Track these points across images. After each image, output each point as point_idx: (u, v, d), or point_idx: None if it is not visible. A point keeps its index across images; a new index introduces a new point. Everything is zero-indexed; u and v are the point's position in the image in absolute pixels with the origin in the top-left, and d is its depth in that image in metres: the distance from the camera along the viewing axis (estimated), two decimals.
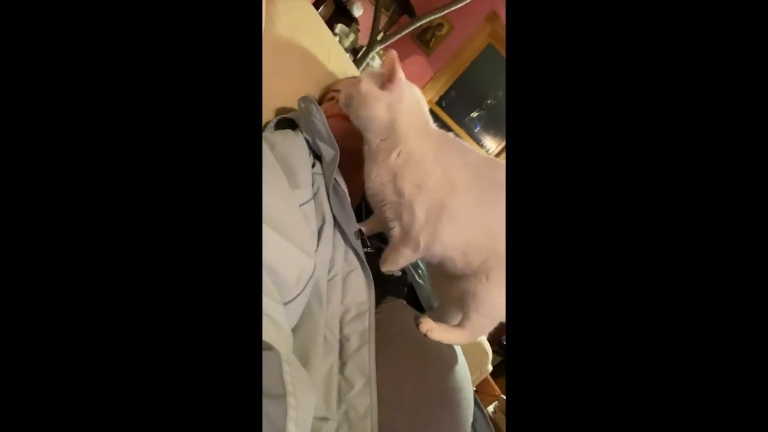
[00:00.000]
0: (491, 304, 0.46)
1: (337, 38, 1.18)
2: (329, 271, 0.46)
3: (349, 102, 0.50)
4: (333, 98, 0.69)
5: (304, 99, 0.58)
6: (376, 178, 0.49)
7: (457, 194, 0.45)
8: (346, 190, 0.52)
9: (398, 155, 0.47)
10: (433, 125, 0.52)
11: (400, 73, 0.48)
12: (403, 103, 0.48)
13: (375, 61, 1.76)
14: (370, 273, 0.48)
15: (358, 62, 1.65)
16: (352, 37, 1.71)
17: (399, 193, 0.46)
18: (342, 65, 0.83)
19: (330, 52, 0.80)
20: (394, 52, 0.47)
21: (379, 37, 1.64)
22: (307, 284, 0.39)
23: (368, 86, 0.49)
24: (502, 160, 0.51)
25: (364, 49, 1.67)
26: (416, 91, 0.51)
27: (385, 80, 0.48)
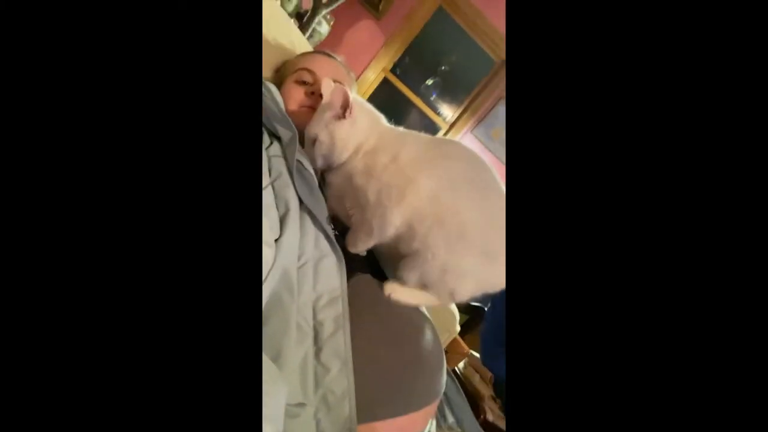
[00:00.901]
0: (443, 279, 0.47)
1: (279, 3, 1.08)
2: (299, 258, 0.44)
3: (327, 154, 0.52)
4: (304, 82, 0.66)
5: None
6: (336, 185, 0.53)
7: (402, 173, 0.47)
8: (313, 173, 0.50)
9: (359, 158, 0.51)
10: (385, 122, 0.56)
11: (352, 97, 0.51)
12: (361, 122, 0.52)
13: (322, 26, 1.65)
14: (343, 258, 0.47)
15: (303, 28, 1.54)
16: (294, 1, 1.58)
17: (354, 186, 0.49)
18: (287, 34, 0.77)
19: (271, 20, 0.73)
20: (340, 86, 0.50)
21: (324, 0, 1.53)
22: (268, 275, 0.37)
23: (327, 132, 0.51)
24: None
25: (308, 14, 1.56)
26: (362, 100, 0.55)
27: (341, 113, 0.51)
